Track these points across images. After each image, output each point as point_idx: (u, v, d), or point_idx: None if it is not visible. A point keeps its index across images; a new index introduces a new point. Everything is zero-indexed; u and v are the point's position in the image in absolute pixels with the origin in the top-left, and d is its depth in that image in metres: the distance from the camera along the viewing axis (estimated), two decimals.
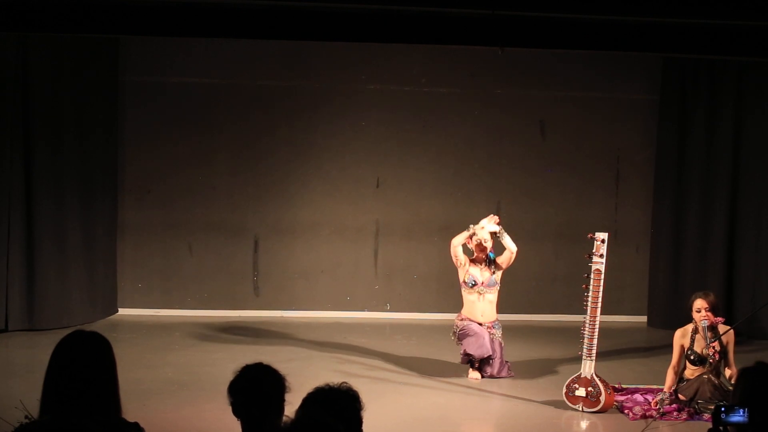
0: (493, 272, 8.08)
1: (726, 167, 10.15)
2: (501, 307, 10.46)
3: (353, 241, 10.54)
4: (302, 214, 10.48)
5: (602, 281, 7.20)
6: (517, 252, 8.10)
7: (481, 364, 8.01)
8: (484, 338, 7.94)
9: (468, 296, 8.12)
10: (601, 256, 7.21)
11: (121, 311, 10.29)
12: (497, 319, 8.14)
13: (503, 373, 8.05)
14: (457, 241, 8.10)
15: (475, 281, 8.06)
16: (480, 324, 8.03)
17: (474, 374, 8.04)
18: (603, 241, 7.22)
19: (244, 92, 10.41)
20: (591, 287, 7.19)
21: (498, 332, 8.10)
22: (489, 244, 8.09)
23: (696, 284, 9.53)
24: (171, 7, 7.24)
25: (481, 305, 8.07)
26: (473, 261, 8.13)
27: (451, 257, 8.16)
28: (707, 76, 10.16)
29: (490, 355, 7.97)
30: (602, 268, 7.21)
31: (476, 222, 8.17)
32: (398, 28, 7.44)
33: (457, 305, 10.38)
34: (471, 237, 8.09)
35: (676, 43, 7.73)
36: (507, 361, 8.15)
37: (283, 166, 10.42)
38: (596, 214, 10.51)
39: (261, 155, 10.40)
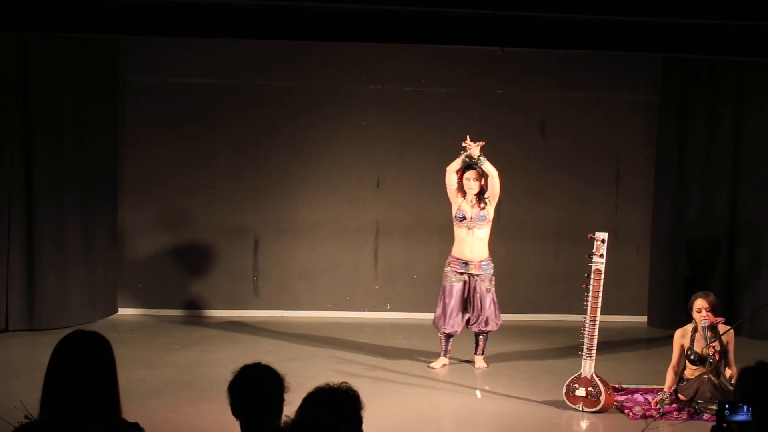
0: (483, 208, 8.12)
1: (726, 167, 10.15)
2: (501, 307, 10.56)
3: (353, 241, 10.54)
4: (302, 214, 10.48)
5: (602, 281, 7.20)
6: (500, 175, 8.13)
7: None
8: (450, 313, 8.09)
9: (458, 231, 8.18)
10: (601, 256, 7.21)
11: (121, 311, 10.29)
12: (488, 258, 8.17)
13: (488, 327, 8.20)
14: (452, 168, 8.22)
15: (464, 215, 8.13)
16: (467, 263, 8.08)
17: (436, 364, 8.28)
18: (603, 241, 7.22)
19: (244, 92, 10.40)
20: (591, 287, 7.19)
21: (487, 275, 8.12)
22: (476, 184, 8.13)
23: (696, 284, 9.53)
24: (171, 7, 7.24)
25: (470, 240, 8.12)
26: (465, 197, 8.20)
27: (446, 188, 8.30)
28: (707, 76, 10.16)
29: (456, 332, 8.19)
30: (602, 268, 7.21)
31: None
32: (398, 28, 7.43)
33: None
34: (463, 173, 8.17)
35: (676, 43, 7.73)
36: (497, 310, 8.24)
37: (283, 166, 10.42)
38: (596, 214, 10.52)
39: (261, 155, 10.40)
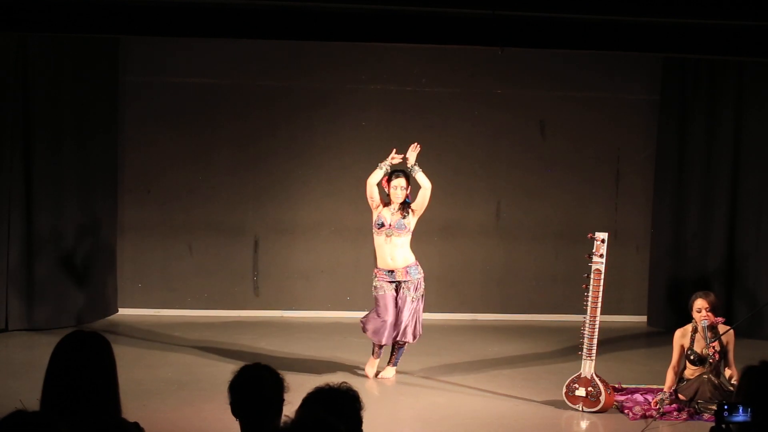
0: (404, 216, 7.80)
1: (726, 167, 10.15)
2: (499, 307, 10.60)
3: (353, 241, 10.53)
4: (302, 214, 10.48)
5: (602, 281, 7.20)
6: (432, 188, 7.79)
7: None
8: (386, 323, 7.75)
9: (377, 239, 7.86)
10: (601, 256, 7.21)
11: (121, 311, 10.29)
12: (415, 264, 7.82)
13: (405, 338, 7.82)
14: (374, 180, 7.87)
15: (383, 222, 7.81)
16: (392, 271, 7.76)
17: (369, 369, 7.96)
18: (603, 241, 7.21)
19: (244, 92, 10.41)
20: (591, 287, 7.19)
21: (414, 280, 7.77)
22: (403, 192, 7.81)
23: (696, 284, 9.53)
24: (171, 7, 7.24)
25: (388, 248, 7.78)
26: (387, 205, 7.91)
27: (367, 199, 7.97)
28: (707, 76, 10.16)
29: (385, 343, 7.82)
30: (602, 268, 7.21)
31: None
32: (398, 28, 7.44)
33: (456, 305, 10.45)
34: (388, 181, 7.86)
35: (676, 43, 7.73)
36: (418, 321, 7.87)
37: (283, 166, 10.42)
38: (596, 214, 10.52)
39: (261, 155, 10.40)
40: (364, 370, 8.08)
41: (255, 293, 10.51)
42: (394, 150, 7.97)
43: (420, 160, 10.57)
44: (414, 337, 7.92)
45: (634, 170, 10.71)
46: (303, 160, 10.42)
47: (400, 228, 7.81)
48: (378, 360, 8.06)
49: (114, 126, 10.11)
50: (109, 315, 10.14)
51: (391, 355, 8.04)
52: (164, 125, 10.33)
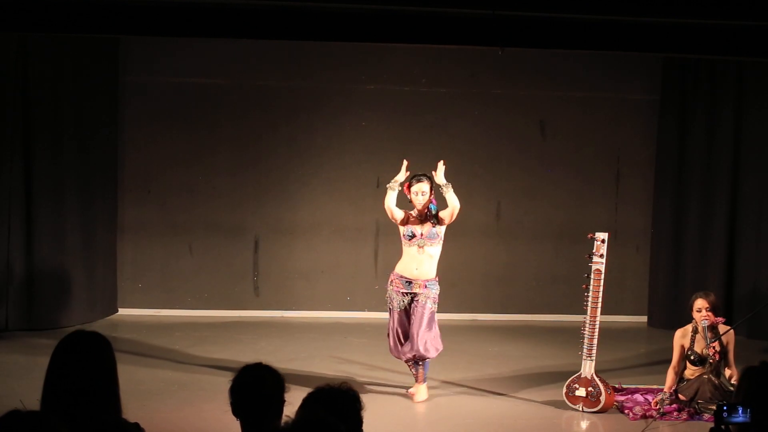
0: (434, 225, 7.36)
1: (726, 167, 10.15)
2: (500, 307, 10.60)
3: (353, 241, 10.53)
4: (302, 214, 10.48)
5: (602, 281, 7.20)
6: (461, 209, 7.35)
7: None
8: (397, 339, 7.37)
9: (407, 249, 7.40)
10: (601, 256, 7.21)
11: (121, 311, 10.29)
12: (435, 279, 7.42)
13: (428, 354, 7.32)
14: (389, 202, 7.41)
15: (413, 233, 7.36)
16: (411, 281, 7.33)
17: (413, 389, 7.53)
18: (603, 241, 7.22)
19: (244, 92, 10.41)
20: (591, 287, 7.19)
21: (431, 294, 7.36)
22: (425, 198, 7.34)
23: (696, 284, 9.53)
24: (171, 7, 7.24)
25: (419, 258, 7.35)
26: (413, 217, 7.41)
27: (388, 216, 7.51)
28: (707, 76, 10.16)
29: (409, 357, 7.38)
30: (602, 268, 7.21)
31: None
32: (398, 28, 7.43)
33: (456, 305, 10.44)
34: (409, 186, 7.38)
35: (676, 43, 7.73)
36: (438, 334, 7.45)
37: (283, 166, 10.42)
38: (596, 214, 10.51)
39: (261, 155, 10.40)
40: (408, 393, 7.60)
41: (255, 293, 10.51)
42: (405, 163, 7.55)
43: (420, 160, 10.58)
44: (436, 351, 7.45)
45: (634, 170, 10.70)
46: (303, 160, 10.42)
47: (433, 237, 7.37)
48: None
49: (114, 126, 10.11)
50: (109, 315, 10.15)
51: (417, 373, 7.50)
52: (164, 125, 10.33)
